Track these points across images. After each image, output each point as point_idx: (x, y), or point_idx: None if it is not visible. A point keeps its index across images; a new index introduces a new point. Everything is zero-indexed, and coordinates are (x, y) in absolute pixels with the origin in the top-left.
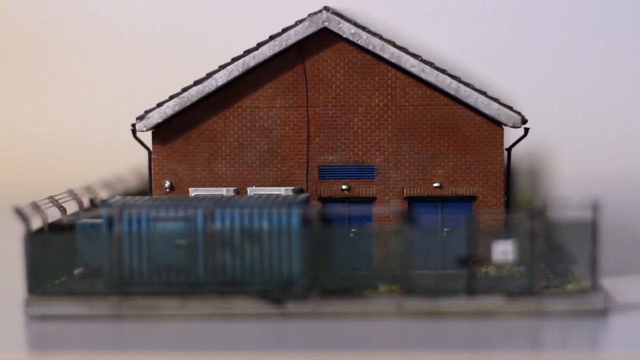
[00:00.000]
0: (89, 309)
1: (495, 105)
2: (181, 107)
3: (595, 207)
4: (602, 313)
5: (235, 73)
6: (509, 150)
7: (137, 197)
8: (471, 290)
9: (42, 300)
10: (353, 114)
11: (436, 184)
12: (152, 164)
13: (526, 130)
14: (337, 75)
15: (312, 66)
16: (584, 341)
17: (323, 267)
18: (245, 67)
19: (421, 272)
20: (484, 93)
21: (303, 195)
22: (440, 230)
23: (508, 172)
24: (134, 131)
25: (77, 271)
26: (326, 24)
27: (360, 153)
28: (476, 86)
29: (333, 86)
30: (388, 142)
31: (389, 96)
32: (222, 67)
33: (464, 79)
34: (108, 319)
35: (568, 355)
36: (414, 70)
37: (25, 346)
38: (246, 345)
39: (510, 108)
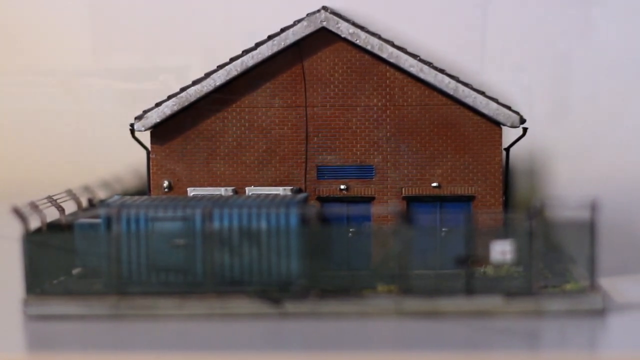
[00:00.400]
0: (87, 309)
1: (494, 105)
2: (179, 107)
3: (594, 206)
4: (600, 313)
5: (234, 73)
6: (507, 150)
7: (136, 197)
8: (469, 290)
9: (41, 300)
10: (351, 113)
11: (435, 184)
12: (151, 163)
13: (525, 130)
14: (336, 75)
15: (310, 66)
16: (583, 341)
17: (321, 267)
18: (244, 67)
19: (419, 272)
20: (482, 93)
21: (301, 195)
22: (439, 230)
23: (506, 172)
24: (132, 131)
25: (75, 271)
26: (324, 23)
27: (358, 153)
28: (474, 86)
29: (331, 86)
30: (386, 142)
31: (388, 96)
32: (220, 67)
33: (462, 78)
34: (106, 319)
35: (566, 355)
36: (413, 70)
37: (23, 346)
38: (244, 345)
39: (509, 108)
